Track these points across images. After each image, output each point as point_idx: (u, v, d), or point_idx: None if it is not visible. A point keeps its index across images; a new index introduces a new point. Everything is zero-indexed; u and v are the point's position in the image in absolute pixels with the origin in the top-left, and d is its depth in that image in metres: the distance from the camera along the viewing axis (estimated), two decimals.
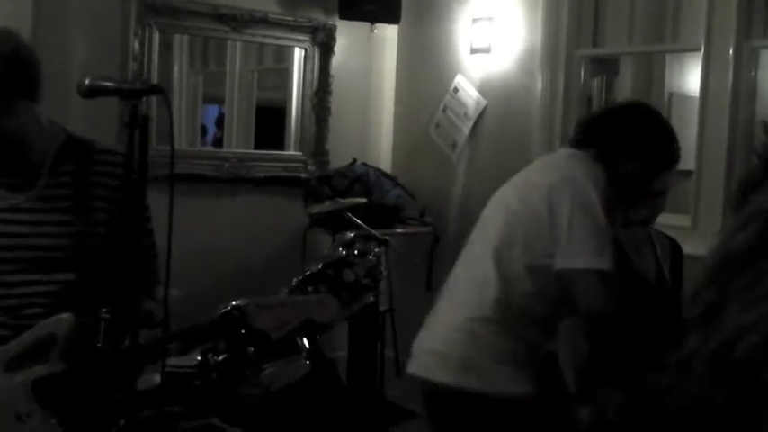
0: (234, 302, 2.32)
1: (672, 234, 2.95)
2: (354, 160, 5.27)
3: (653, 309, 2.66)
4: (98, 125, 4.21)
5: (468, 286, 2.51)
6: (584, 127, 2.57)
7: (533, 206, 2.40)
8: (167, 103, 1.87)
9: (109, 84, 1.90)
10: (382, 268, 3.37)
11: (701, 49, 4.04)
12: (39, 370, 2.08)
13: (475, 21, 5.01)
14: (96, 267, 2.21)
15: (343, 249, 3.16)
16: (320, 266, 3.03)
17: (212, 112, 5.75)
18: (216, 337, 2.60)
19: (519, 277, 2.40)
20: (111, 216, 2.23)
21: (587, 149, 2.48)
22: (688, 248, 2.87)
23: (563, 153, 2.63)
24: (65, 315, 2.12)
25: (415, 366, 2.57)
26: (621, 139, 2.48)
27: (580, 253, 2.29)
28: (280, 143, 5.43)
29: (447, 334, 2.48)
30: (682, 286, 2.78)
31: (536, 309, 2.40)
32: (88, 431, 2.12)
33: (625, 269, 2.74)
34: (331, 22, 5.29)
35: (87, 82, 1.89)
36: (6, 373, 2.09)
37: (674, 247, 2.87)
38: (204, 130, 5.68)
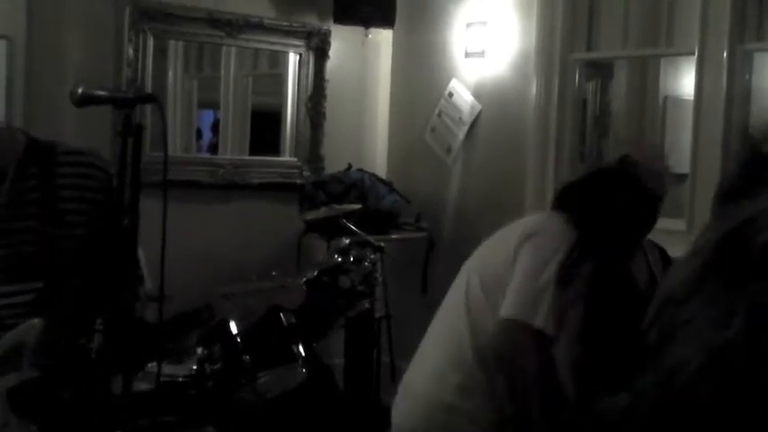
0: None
1: (667, 238, 2.94)
2: (350, 165, 5.26)
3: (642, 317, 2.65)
4: (92, 133, 4.21)
5: (444, 353, 2.46)
6: (561, 192, 2.58)
7: (499, 267, 2.38)
8: (161, 111, 1.87)
9: (101, 93, 1.89)
10: (378, 275, 3.38)
11: (695, 53, 4.05)
12: (12, 378, 2.06)
13: (469, 25, 5.01)
14: (72, 269, 2.19)
15: (338, 256, 3.16)
16: (316, 273, 3.04)
17: (208, 117, 5.74)
18: (185, 331, 2.60)
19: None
20: (87, 217, 2.21)
21: (563, 213, 2.47)
22: (683, 252, 2.87)
23: (538, 214, 2.62)
24: (34, 321, 2.10)
25: None
26: (597, 211, 2.47)
27: (511, 303, 2.26)
28: (275, 149, 5.42)
29: (427, 413, 2.43)
30: None
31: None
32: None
33: (623, 275, 2.74)
34: (326, 27, 5.29)
35: (80, 91, 1.87)
36: None
37: (664, 257, 2.87)
38: (200, 134, 5.67)
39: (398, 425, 2.53)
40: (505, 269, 2.35)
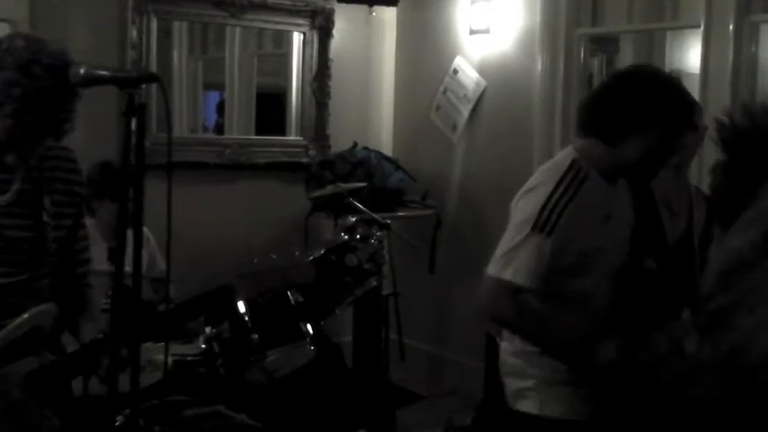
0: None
1: None
2: (355, 144, 5.26)
3: (667, 268, 2.65)
4: (96, 114, 4.20)
5: None
6: (587, 110, 2.42)
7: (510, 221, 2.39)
8: (163, 91, 1.86)
9: (104, 72, 1.89)
10: (384, 252, 3.38)
11: (700, 26, 4.02)
12: (30, 362, 2.07)
13: (473, 1, 4.99)
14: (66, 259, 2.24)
15: (345, 234, 3.17)
16: (323, 252, 3.04)
17: (213, 98, 5.74)
18: (202, 313, 2.63)
19: None
20: (74, 209, 2.28)
21: (593, 134, 2.36)
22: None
23: (565, 151, 2.50)
24: (49, 306, 2.12)
25: None
26: (629, 117, 2.31)
27: (493, 259, 2.29)
28: (281, 128, 5.41)
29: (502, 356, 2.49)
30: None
31: None
32: (83, 418, 2.13)
33: (650, 219, 2.71)
34: (329, 6, 5.27)
35: (82, 71, 1.88)
36: None
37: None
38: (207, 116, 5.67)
39: None
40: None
